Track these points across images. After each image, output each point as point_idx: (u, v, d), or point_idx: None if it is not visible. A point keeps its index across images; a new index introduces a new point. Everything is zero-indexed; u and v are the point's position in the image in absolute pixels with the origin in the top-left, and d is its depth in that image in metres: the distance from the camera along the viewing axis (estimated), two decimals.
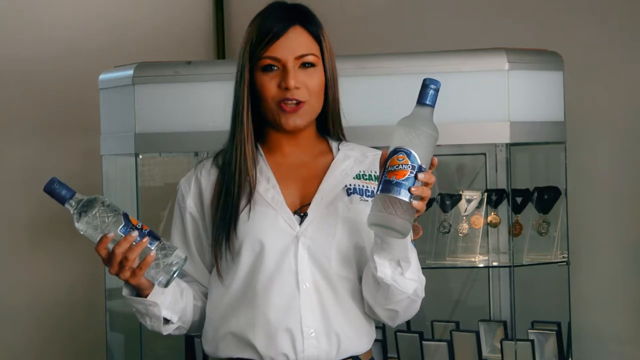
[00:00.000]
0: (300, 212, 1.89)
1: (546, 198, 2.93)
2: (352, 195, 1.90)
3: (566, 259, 2.90)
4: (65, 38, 3.60)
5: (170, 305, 1.88)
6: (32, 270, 3.56)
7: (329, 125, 1.98)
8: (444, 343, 2.88)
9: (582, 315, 3.08)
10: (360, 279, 1.89)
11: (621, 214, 3.12)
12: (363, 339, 1.92)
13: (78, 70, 3.54)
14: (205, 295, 1.97)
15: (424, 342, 2.90)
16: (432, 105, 1.74)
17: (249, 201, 1.89)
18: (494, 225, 2.98)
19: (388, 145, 1.74)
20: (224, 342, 1.89)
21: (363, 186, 1.92)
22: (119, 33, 3.69)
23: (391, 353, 2.94)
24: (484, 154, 3.15)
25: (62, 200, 1.76)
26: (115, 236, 1.75)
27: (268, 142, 1.97)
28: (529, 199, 2.94)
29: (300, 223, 1.87)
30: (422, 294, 1.90)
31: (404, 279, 1.83)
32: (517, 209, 2.92)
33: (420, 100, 1.74)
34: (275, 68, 1.89)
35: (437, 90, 1.74)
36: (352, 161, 1.95)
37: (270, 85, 1.89)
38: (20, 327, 3.53)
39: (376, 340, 2.67)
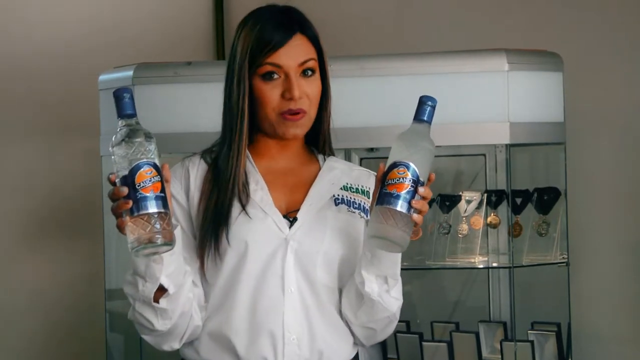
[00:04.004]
0: (289, 217, 1.86)
1: (546, 199, 2.93)
2: (339, 205, 1.88)
3: (566, 260, 2.90)
4: (65, 38, 3.60)
5: (172, 275, 1.76)
6: (32, 271, 3.55)
7: (319, 137, 1.93)
8: (444, 344, 2.88)
9: (582, 316, 3.08)
10: (340, 290, 1.88)
11: (621, 214, 3.13)
12: (346, 347, 1.89)
13: (78, 71, 3.54)
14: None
15: (423, 343, 2.90)
16: (429, 122, 1.75)
17: (240, 205, 1.85)
18: (494, 226, 2.98)
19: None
20: (203, 344, 1.85)
21: (350, 198, 1.90)
22: (119, 33, 3.69)
23: (391, 354, 2.94)
24: (484, 155, 3.14)
25: (121, 114, 1.74)
26: (116, 179, 1.67)
27: (257, 146, 1.93)
28: (528, 199, 2.94)
29: (290, 227, 1.85)
30: (399, 316, 1.89)
31: (389, 297, 1.82)
32: (516, 209, 2.92)
33: (418, 117, 1.74)
34: (277, 76, 1.85)
35: (433, 107, 1.75)
36: (338, 172, 1.93)
37: (272, 94, 1.84)
38: (20, 328, 3.53)
39: None
